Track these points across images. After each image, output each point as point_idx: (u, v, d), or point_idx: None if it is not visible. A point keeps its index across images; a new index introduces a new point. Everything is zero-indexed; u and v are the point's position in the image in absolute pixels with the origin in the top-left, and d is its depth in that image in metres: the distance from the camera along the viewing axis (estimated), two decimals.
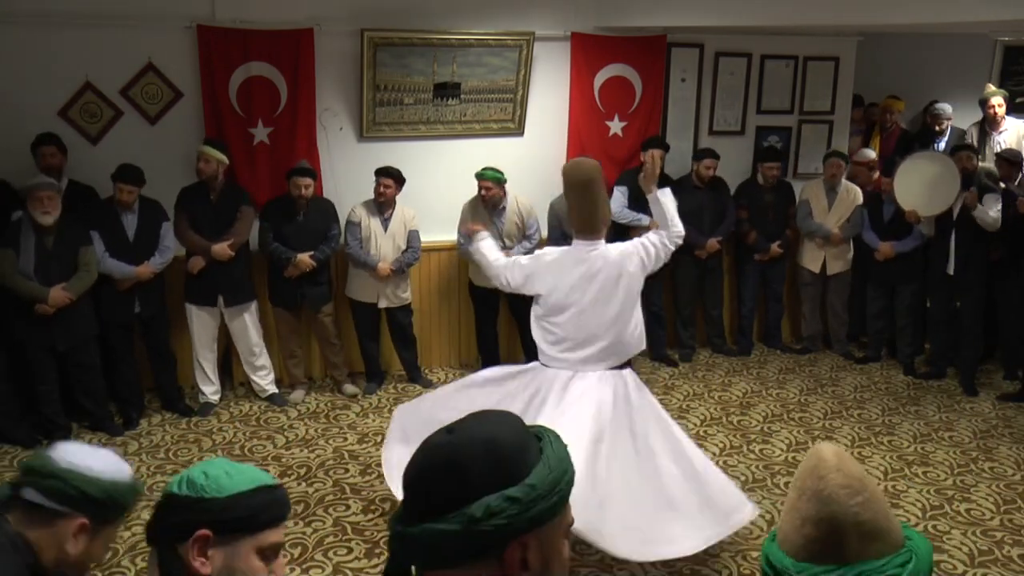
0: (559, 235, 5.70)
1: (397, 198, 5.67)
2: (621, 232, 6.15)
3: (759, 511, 3.96)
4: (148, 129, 5.49)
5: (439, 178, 6.04)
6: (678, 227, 3.91)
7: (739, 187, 6.68)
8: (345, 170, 5.87)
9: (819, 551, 1.32)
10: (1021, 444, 5.23)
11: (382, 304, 5.74)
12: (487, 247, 4.07)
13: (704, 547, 3.65)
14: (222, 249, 5.24)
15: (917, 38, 7.35)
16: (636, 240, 3.92)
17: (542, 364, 3.89)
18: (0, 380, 4.90)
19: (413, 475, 1.17)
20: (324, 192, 5.78)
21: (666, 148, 6.20)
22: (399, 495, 3.65)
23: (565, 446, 1.22)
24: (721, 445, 5.15)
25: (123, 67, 5.38)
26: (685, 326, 6.70)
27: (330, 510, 4.34)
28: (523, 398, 3.81)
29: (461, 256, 5.74)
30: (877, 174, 6.60)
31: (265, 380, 5.68)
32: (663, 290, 6.52)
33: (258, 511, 1.57)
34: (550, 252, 3.89)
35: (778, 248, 6.56)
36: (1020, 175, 5.88)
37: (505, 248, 5.28)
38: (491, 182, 5.66)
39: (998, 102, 6.80)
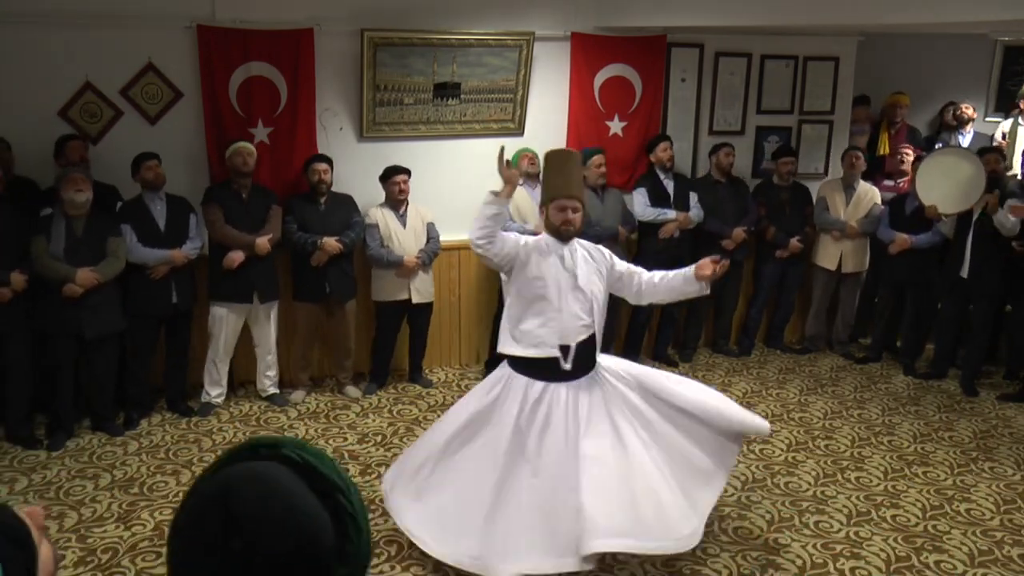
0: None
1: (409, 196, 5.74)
2: (648, 233, 6.18)
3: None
4: (148, 129, 5.48)
5: (439, 178, 6.04)
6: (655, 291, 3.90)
7: (755, 187, 6.69)
8: (345, 170, 5.86)
9: None
10: (1021, 444, 5.23)
11: (415, 299, 5.76)
12: (495, 204, 3.68)
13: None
14: (264, 243, 5.28)
15: (917, 38, 7.34)
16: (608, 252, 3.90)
17: (515, 362, 3.79)
18: (20, 378, 4.90)
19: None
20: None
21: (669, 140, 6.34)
22: (435, 553, 3.66)
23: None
24: None
25: (123, 67, 5.38)
26: (693, 325, 6.69)
27: None
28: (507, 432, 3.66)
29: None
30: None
31: (269, 380, 5.69)
32: None
33: None
34: (537, 238, 3.82)
35: (798, 242, 6.54)
36: None
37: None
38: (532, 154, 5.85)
39: None
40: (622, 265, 3.90)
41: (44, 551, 1.07)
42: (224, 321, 5.42)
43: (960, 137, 7.25)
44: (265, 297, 5.47)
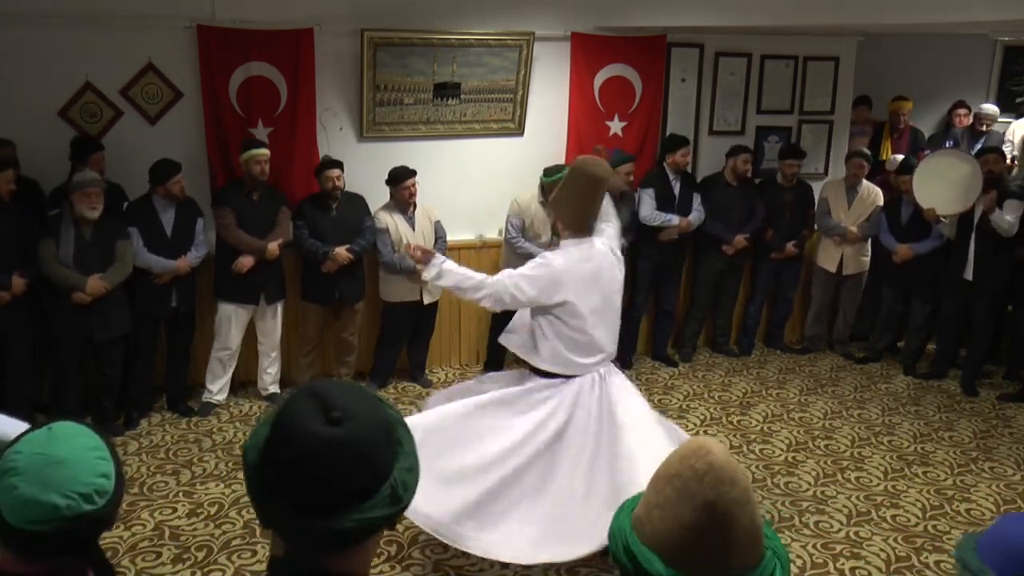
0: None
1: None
2: (648, 233, 6.17)
3: None
4: (148, 129, 5.48)
5: (440, 178, 6.04)
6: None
7: (759, 184, 6.67)
8: (345, 170, 5.86)
9: (696, 543, 1.19)
10: (1021, 444, 5.23)
11: (427, 300, 5.77)
12: (451, 268, 3.66)
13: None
14: (275, 248, 5.30)
15: (917, 38, 7.35)
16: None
17: (562, 376, 3.71)
18: (20, 378, 4.90)
19: (315, 471, 1.13)
20: None
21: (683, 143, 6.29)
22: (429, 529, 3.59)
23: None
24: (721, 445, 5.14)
25: (123, 67, 5.38)
26: (692, 324, 6.70)
27: None
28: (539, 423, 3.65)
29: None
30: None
31: (270, 378, 5.70)
32: (679, 288, 6.55)
33: None
34: (557, 256, 3.67)
35: (793, 248, 6.55)
36: None
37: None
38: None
39: None
40: None
41: None
42: (231, 320, 5.43)
43: (976, 143, 7.17)
44: (271, 298, 5.49)
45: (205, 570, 3.81)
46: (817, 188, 6.76)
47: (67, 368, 4.98)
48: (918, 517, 4.35)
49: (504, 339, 3.94)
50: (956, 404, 5.84)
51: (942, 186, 5.81)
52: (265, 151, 5.34)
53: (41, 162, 5.16)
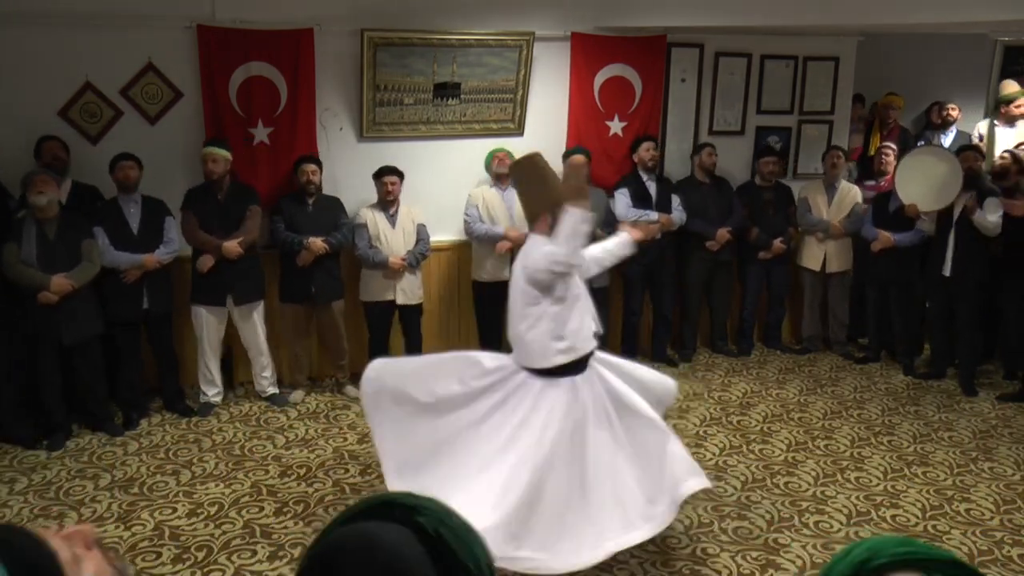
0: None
1: (399, 196, 5.71)
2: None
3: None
4: (148, 129, 5.49)
5: (439, 178, 6.05)
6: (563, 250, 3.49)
7: (737, 188, 6.68)
8: (345, 170, 5.87)
9: None
10: (1021, 444, 5.23)
11: (400, 300, 5.74)
12: (592, 254, 3.84)
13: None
14: (232, 246, 5.26)
15: (917, 38, 7.35)
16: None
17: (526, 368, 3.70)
18: (4, 378, 4.90)
19: None
20: (323, 191, 5.78)
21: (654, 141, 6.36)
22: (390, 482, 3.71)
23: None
24: (721, 445, 5.15)
25: (123, 67, 5.39)
26: (687, 324, 6.70)
27: (330, 510, 4.34)
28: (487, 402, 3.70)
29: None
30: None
31: (267, 380, 5.69)
32: (672, 293, 6.55)
33: None
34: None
35: (781, 244, 6.55)
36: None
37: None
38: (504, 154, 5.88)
39: None
40: None
41: (88, 570, 0.96)
42: (205, 322, 5.43)
43: (943, 137, 7.31)
44: (240, 300, 5.43)
45: (205, 570, 3.80)
46: (796, 189, 6.75)
47: (46, 371, 4.92)
48: (918, 517, 4.35)
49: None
50: (955, 404, 5.84)
51: (924, 183, 5.87)
52: (219, 150, 5.27)
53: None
